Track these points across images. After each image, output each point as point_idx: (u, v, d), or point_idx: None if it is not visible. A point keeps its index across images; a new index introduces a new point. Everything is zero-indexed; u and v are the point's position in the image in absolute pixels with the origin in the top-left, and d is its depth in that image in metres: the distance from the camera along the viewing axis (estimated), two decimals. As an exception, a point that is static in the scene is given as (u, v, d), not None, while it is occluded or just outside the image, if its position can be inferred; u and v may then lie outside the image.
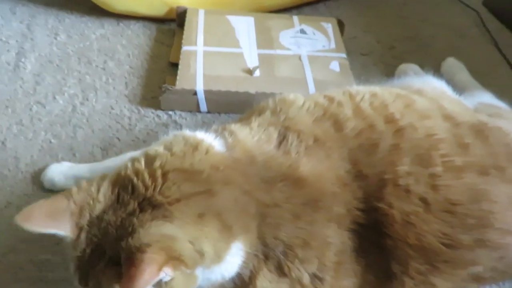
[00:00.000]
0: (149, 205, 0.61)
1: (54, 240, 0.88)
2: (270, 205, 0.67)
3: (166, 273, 0.57)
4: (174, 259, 0.58)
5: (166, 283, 0.59)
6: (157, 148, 0.69)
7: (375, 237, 0.70)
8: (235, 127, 0.76)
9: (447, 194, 0.69)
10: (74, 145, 1.06)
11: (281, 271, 0.68)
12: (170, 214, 0.61)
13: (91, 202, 0.63)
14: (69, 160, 1.02)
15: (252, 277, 0.67)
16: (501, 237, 0.71)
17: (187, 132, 0.74)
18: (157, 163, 0.65)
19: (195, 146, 0.69)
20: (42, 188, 0.97)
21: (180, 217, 0.61)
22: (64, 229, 0.62)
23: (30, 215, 0.62)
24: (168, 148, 0.68)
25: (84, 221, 0.62)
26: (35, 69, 1.24)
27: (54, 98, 1.17)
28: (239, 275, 0.67)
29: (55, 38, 1.34)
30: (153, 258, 0.56)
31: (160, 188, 0.62)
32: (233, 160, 0.69)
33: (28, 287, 0.82)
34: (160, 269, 0.56)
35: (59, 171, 0.96)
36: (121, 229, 0.60)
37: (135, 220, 0.60)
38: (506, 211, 0.71)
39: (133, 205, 0.61)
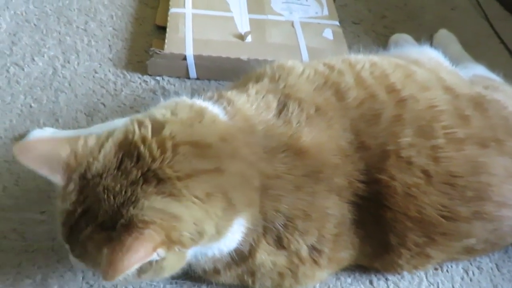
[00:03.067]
0: (155, 177, 0.58)
1: (38, 208, 0.85)
2: (272, 177, 0.65)
3: (159, 254, 0.56)
4: (172, 242, 0.56)
5: (156, 261, 0.58)
6: (164, 111, 0.65)
7: (375, 209, 0.69)
8: (231, 94, 0.73)
9: (448, 166, 0.69)
10: (56, 110, 1.01)
11: (279, 243, 0.67)
12: (179, 192, 0.58)
13: (91, 159, 0.59)
14: (52, 126, 0.97)
15: (252, 250, 0.66)
16: (497, 210, 0.71)
17: (186, 99, 0.70)
18: (166, 132, 0.61)
19: (201, 113, 0.66)
20: (24, 155, 0.92)
21: (188, 196, 0.58)
22: (55, 177, 0.59)
23: (28, 149, 0.59)
24: (175, 113, 0.64)
25: (79, 177, 0.59)
26: (11, 28, 1.16)
27: (33, 59, 1.10)
28: (237, 250, 0.66)
29: (31, -5, 1.25)
30: (152, 236, 0.54)
31: (170, 161, 0.59)
32: (238, 130, 0.66)
33: (12, 258, 0.79)
34: (154, 250, 0.55)
35: (42, 137, 0.90)
36: (120, 196, 0.57)
37: (139, 190, 0.57)
38: (502, 184, 0.71)
39: (136, 174, 0.58)
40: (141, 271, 0.59)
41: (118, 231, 0.55)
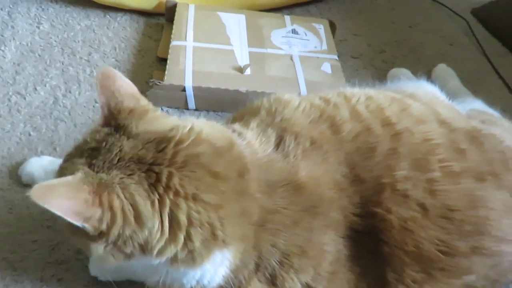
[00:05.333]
0: (156, 175, 0.59)
1: (31, 237, 0.84)
2: (271, 211, 0.64)
3: (85, 227, 0.57)
4: (108, 233, 0.57)
5: (88, 237, 0.58)
6: (210, 131, 0.66)
7: (371, 244, 0.68)
8: (238, 127, 0.73)
9: (445, 200, 0.68)
10: (55, 139, 1.02)
11: (272, 282, 0.66)
12: (162, 204, 0.58)
13: (134, 123, 0.62)
14: (49, 154, 0.98)
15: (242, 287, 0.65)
16: (496, 245, 0.69)
17: (223, 126, 0.72)
18: (199, 150, 0.62)
19: (231, 144, 0.66)
20: (20, 183, 0.92)
21: (164, 214, 0.58)
22: (104, 111, 0.63)
23: (108, 78, 0.63)
24: (214, 137, 0.65)
25: (115, 127, 0.62)
26: (15, 58, 1.19)
27: (35, 89, 1.12)
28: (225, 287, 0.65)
29: (38, 27, 1.28)
30: (94, 213, 0.56)
31: (183, 175, 0.60)
32: (252, 165, 0.66)
33: (1, 288, 0.78)
34: (83, 222, 0.56)
35: (39, 166, 0.91)
36: (123, 162, 0.59)
37: (137, 173, 0.58)
38: (501, 218, 0.70)
39: (148, 159, 0.59)
40: (73, 230, 0.59)
41: (94, 178, 0.57)
